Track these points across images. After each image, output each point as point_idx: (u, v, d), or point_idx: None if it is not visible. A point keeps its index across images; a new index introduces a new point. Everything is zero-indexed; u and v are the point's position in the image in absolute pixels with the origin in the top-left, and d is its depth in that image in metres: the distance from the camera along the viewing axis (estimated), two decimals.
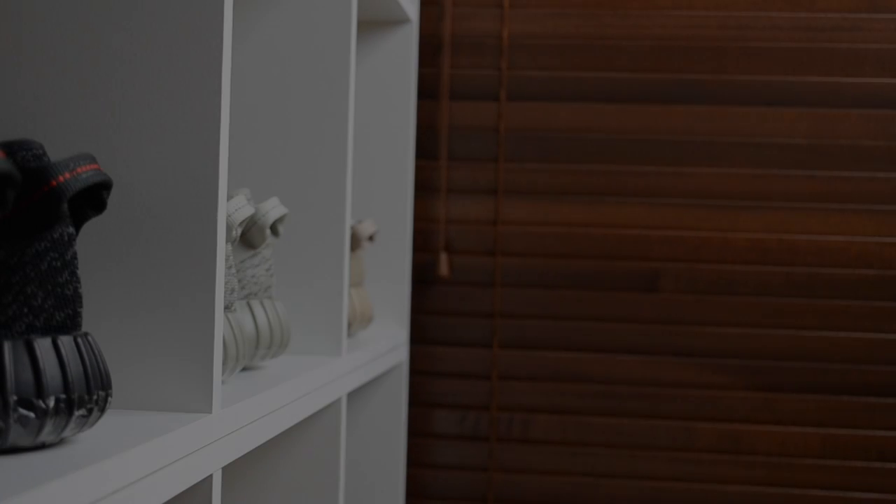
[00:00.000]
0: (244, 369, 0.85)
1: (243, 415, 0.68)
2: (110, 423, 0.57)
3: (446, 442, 1.48)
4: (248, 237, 0.82)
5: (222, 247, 0.62)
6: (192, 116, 0.61)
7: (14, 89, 0.62)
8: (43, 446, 0.50)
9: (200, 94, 0.61)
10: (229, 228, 0.73)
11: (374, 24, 1.38)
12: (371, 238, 1.20)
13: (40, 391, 0.47)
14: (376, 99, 1.37)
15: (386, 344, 1.23)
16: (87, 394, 0.49)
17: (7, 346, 0.46)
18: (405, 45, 1.38)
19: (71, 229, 0.51)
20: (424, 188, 1.47)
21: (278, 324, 0.83)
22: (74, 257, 0.51)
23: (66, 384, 0.48)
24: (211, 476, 0.62)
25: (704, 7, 1.44)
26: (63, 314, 0.50)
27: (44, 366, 0.47)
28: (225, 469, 0.98)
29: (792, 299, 1.42)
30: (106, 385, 0.51)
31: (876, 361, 1.41)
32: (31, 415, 0.46)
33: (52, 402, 0.47)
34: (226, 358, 0.72)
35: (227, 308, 0.74)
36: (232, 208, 0.74)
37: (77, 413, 0.49)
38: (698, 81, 1.44)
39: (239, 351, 0.74)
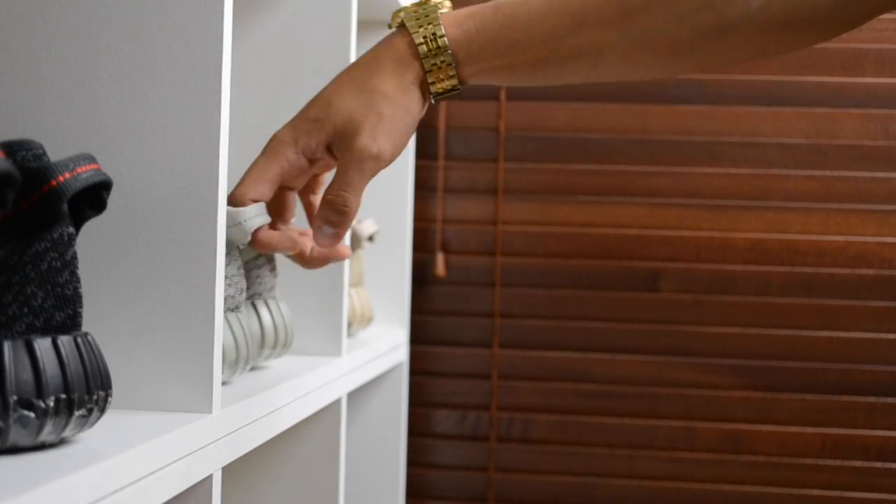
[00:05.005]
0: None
1: (243, 415, 0.68)
2: (110, 423, 0.57)
3: (446, 442, 1.48)
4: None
5: (222, 247, 0.62)
6: (192, 116, 0.61)
7: (14, 89, 0.62)
8: (43, 446, 0.50)
9: (200, 94, 0.61)
10: (244, 234, 0.73)
11: (374, 24, 1.38)
12: (371, 238, 1.20)
13: (40, 391, 0.47)
14: None
15: (386, 344, 1.23)
16: (87, 394, 0.49)
17: (7, 346, 0.46)
18: None
19: (71, 229, 0.51)
20: (424, 188, 1.47)
21: (283, 324, 0.83)
22: (74, 257, 0.51)
23: (66, 384, 0.48)
24: (211, 476, 0.62)
25: None
26: (63, 314, 0.50)
27: (44, 366, 0.47)
28: (225, 469, 0.98)
29: (792, 299, 1.42)
30: (106, 385, 0.51)
31: (876, 361, 1.41)
32: (31, 415, 0.46)
33: (52, 402, 0.47)
34: (236, 358, 0.72)
35: (235, 309, 0.74)
36: (250, 214, 0.73)
37: (77, 413, 0.49)
38: (698, 81, 1.44)
39: (249, 351, 0.74)
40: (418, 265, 1.47)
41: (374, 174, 0.69)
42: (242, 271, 0.75)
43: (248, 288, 0.82)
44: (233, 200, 0.71)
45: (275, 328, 0.82)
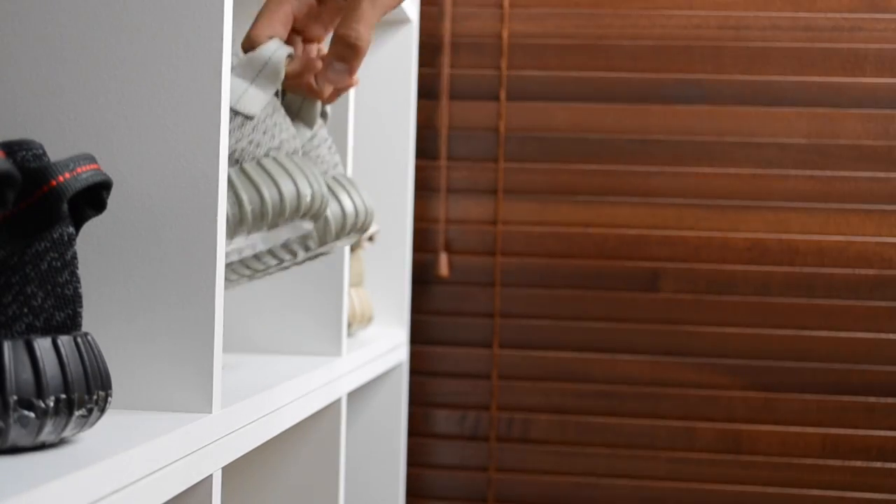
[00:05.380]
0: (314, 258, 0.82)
1: (243, 415, 0.68)
2: (110, 423, 0.57)
3: (446, 442, 1.48)
4: (302, 116, 0.79)
5: (222, 246, 0.62)
6: (192, 116, 0.61)
7: (14, 89, 0.62)
8: (43, 446, 0.50)
9: (200, 94, 0.61)
10: (276, 68, 0.71)
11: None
12: (371, 238, 1.20)
13: (40, 391, 0.47)
14: (376, 99, 1.37)
15: (386, 344, 1.23)
16: (87, 394, 0.49)
17: (7, 346, 0.46)
18: (405, 45, 1.38)
19: (71, 229, 0.51)
20: (424, 188, 1.47)
21: (360, 199, 0.78)
22: (74, 257, 0.51)
23: (66, 384, 0.48)
24: (211, 476, 0.62)
25: (704, 7, 1.44)
26: (63, 314, 0.50)
27: (44, 366, 0.47)
28: (225, 469, 0.98)
29: (792, 299, 1.42)
30: (106, 385, 0.51)
31: (876, 361, 1.41)
32: (31, 415, 0.46)
33: (52, 402, 0.47)
34: (312, 200, 0.68)
35: (294, 153, 0.72)
36: (273, 47, 0.71)
37: (77, 413, 0.49)
38: (698, 81, 1.44)
39: (324, 197, 0.70)
40: (420, 265, 1.47)
41: (384, 10, 0.69)
42: (289, 119, 0.73)
43: None
44: (249, 43, 0.70)
45: (353, 202, 0.77)
